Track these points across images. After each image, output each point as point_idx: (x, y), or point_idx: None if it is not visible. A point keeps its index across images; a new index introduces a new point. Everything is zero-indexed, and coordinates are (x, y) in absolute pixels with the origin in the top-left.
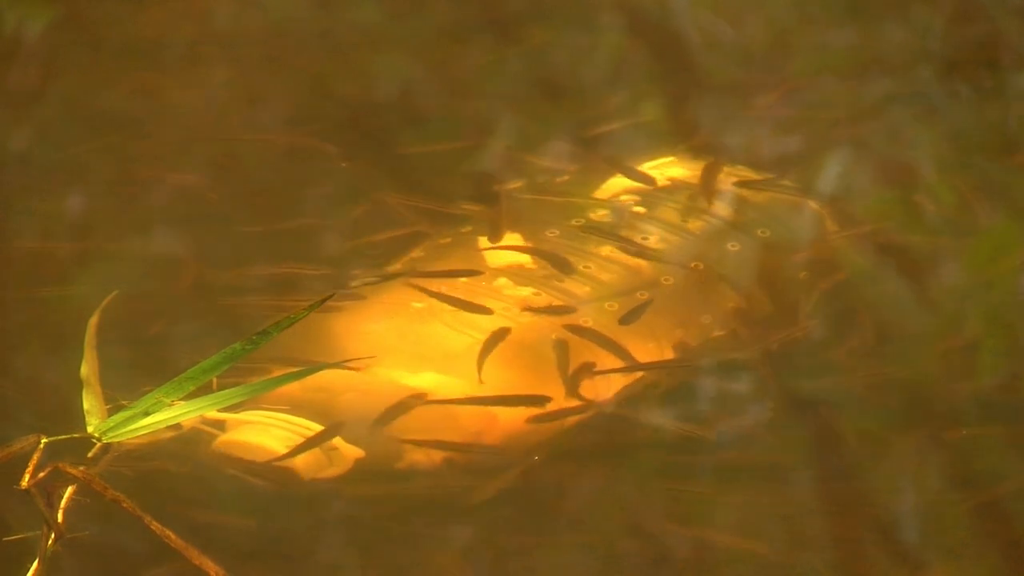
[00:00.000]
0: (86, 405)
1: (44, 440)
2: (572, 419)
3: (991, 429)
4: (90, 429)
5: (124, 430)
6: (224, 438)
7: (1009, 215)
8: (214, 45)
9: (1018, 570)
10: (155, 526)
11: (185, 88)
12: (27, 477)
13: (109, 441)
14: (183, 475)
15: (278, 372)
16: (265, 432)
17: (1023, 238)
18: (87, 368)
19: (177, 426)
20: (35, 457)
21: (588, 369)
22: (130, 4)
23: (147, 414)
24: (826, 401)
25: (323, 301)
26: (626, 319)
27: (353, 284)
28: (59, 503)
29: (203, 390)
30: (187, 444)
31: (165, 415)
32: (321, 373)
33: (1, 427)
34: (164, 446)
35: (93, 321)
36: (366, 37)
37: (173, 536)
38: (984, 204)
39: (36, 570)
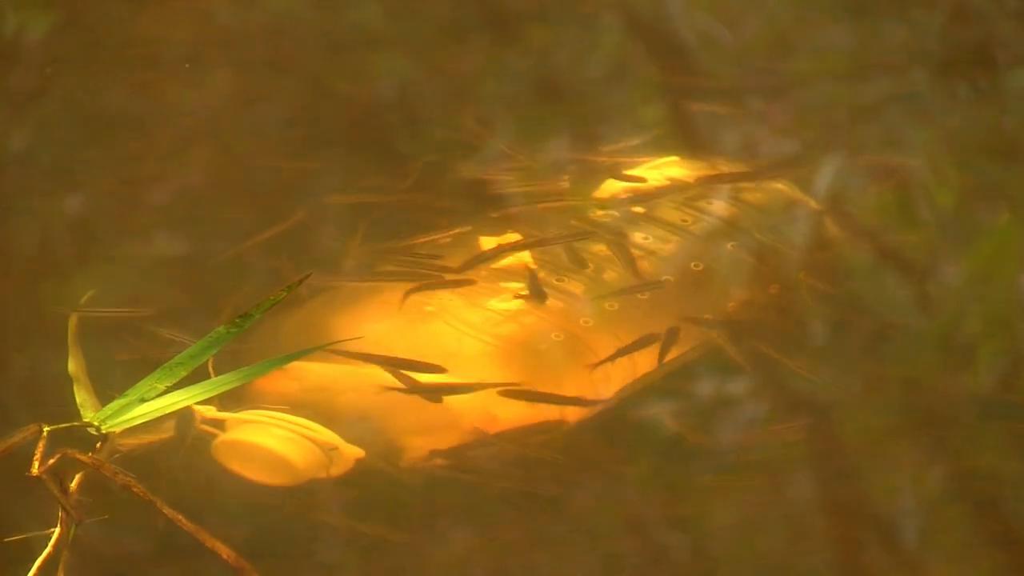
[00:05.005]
0: (79, 399)
1: (47, 428)
2: (572, 419)
3: (991, 429)
4: (88, 418)
5: (123, 418)
6: (224, 438)
7: (1008, 215)
8: (214, 45)
9: (1018, 570)
10: (166, 510)
11: (185, 88)
12: (36, 464)
13: (109, 431)
14: (182, 475)
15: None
16: (265, 431)
17: (1023, 238)
18: (74, 364)
19: (176, 425)
20: (40, 445)
21: (587, 369)
22: (130, 4)
23: (142, 400)
24: (825, 401)
25: (300, 282)
26: (625, 319)
27: (352, 283)
28: (69, 490)
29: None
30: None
31: (163, 402)
32: (321, 373)
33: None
34: (163, 446)
35: (74, 319)
36: (366, 37)
37: (184, 520)
38: (983, 204)
39: (64, 560)
